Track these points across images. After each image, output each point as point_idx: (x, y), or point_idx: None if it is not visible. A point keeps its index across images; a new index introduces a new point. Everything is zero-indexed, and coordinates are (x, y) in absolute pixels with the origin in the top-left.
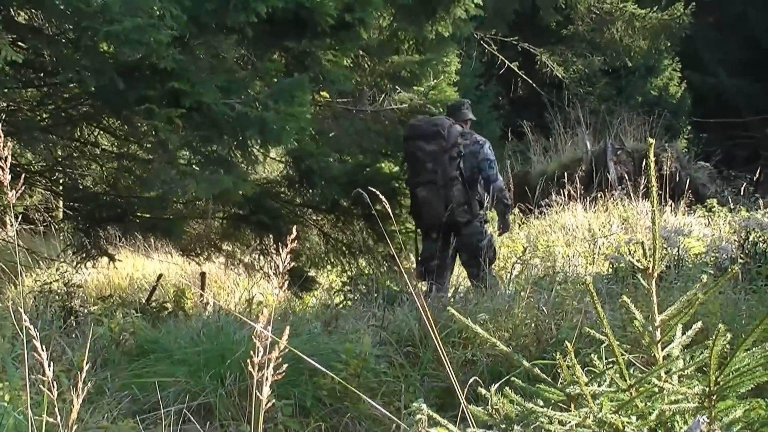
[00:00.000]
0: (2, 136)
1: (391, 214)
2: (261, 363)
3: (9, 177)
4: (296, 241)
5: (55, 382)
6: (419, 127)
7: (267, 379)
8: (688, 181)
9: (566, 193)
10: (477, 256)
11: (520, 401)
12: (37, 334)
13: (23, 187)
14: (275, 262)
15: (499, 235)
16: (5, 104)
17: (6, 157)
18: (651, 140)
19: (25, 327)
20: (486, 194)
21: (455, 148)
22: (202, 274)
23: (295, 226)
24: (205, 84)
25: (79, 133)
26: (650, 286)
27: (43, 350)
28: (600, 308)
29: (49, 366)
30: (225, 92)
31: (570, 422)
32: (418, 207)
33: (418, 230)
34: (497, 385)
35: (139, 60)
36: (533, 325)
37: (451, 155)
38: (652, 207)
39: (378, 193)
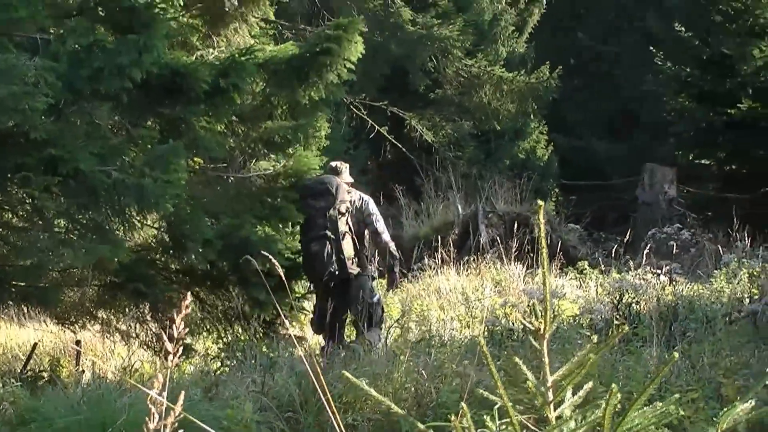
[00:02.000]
0: None
1: (264, 280)
2: (156, 429)
3: None
4: (171, 308)
5: None
6: (309, 186)
7: None
8: (559, 243)
9: (439, 256)
10: (367, 311)
11: None
12: None
13: None
14: (151, 330)
15: (387, 290)
16: None
17: None
18: (540, 202)
19: None
20: (374, 248)
21: (343, 204)
22: (77, 342)
23: (185, 294)
24: (80, 151)
25: None
26: (542, 347)
27: None
28: (494, 368)
29: None
30: (101, 159)
31: None
32: (311, 261)
33: (311, 286)
34: None
35: (11, 128)
36: (413, 389)
37: (340, 210)
38: (543, 269)
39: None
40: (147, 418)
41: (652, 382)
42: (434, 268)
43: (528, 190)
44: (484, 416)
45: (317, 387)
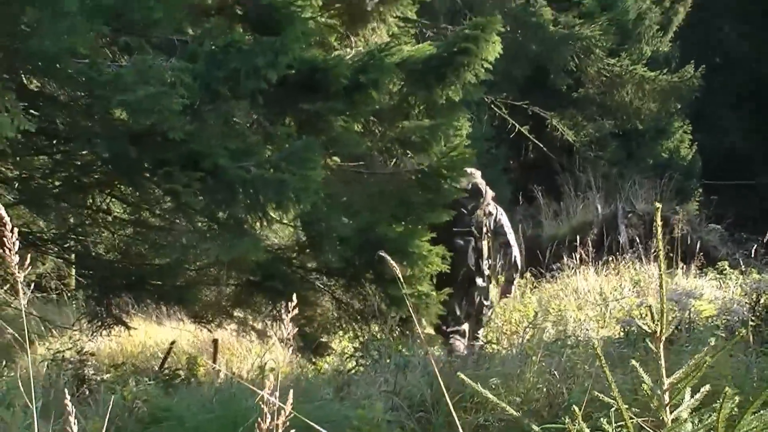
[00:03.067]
0: (6, 217)
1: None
2: (269, 429)
3: (15, 248)
4: (308, 308)
5: None
6: (463, 184)
7: None
8: (699, 243)
9: (577, 256)
10: (480, 314)
11: None
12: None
13: (36, 255)
14: (287, 329)
15: (500, 299)
16: (18, 172)
17: (12, 230)
18: (658, 204)
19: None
20: (501, 259)
21: (488, 208)
22: (215, 341)
23: (295, 294)
24: (218, 148)
25: (91, 201)
26: (658, 349)
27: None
28: (608, 372)
29: None
30: (238, 157)
31: None
32: (453, 255)
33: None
34: None
35: (149, 127)
36: (545, 389)
37: (485, 212)
38: (660, 271)
39: (385, 255)
40: (259, 419)
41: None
42: (572, 268)
43: (669, 190)
44: (601, 419)
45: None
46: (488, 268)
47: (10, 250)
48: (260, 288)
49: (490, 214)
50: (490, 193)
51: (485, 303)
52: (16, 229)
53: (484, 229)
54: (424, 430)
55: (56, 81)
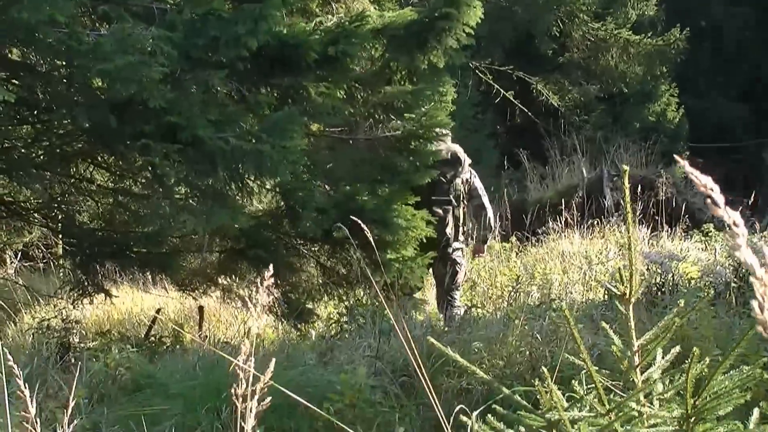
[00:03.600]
0: None
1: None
2: (245, 394)
3: None
4: (292, 274)
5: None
6: (441, 152)
7: (251, 410)
8: (684, 206)
9: (563, 220)
10: (453, 272)
11: (501, 428)
12: (21, 373)
13: (21, 225)
14: (273, 295)
15: (472, 258)
16: (0, 142)
17: None
18: (625, 167)
19: (14, 372)
20: (475, 221)
21: (465, 175)
22: (200, 308)
23: (279, 260)
24: (198, 118)
25: (74, 170)
26: (627, 311)
27: (26, 389)
28: (577, 334)
29: (44, 403)
30: (218, 126)
31: None
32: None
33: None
34: (478, 412)
35: (131, 96)
36: (528, 352)
37: (463, 180)
38: (628, 233)
39: (361, 223)
40: (234, 385)
41: (737, 345)
42: (558, 232)
43: (655, 153)
44: (573, 381)
45: (414, 357)
46: (463, 234)
47: None
48: (245, 255)
49: (467, 181)
50: (467, 161)
51: (458, 266)
52: None
53: (462, 196)
54: (408, 394)
55: (36, 51)
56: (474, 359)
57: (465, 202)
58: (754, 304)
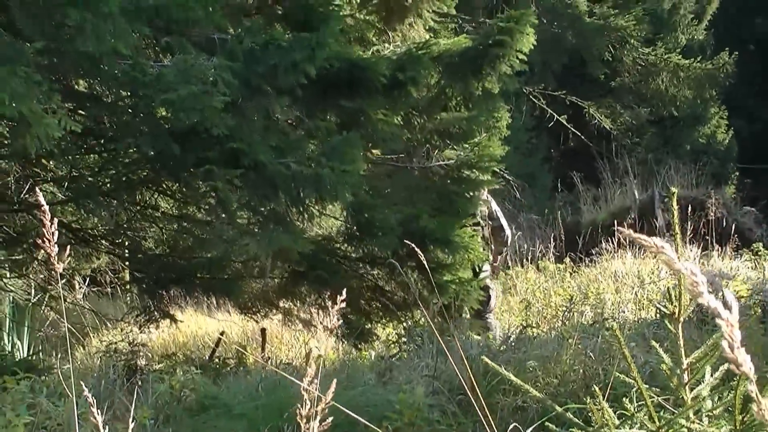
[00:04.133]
0: (47, 210)
1: (425, 265)
2: (309, 415)
3: (54, 239)
4: (352, 296)
5: None
6: None
7: (314, 430)
8: (734, 226)
9: (615, 241)
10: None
11: None
12: (92, 398)
13: (89, 251)
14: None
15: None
16: (67, 171)
17: (53, 231)
18: (674, 189)
19: (83, 394)
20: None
21: (483, 197)
22: (263, 330)
23: (339, 283)
24: (259, 145)
25: (139, 197)
26: (676, 330)
27: (98, 412)
28: (627, 352)
29: (111, 424)
30: (279, 152)
31: None
32: None
33: None
34: (530, 429)
35: (194, 124)
36: (581, 371)
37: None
38: (677, 252)
39: (415, 247)
40: (299, 405)
41: None
42: (611, 252)
43: (705, 174)
44: (624, 399)
45: (469, 377)
46: (490, 252)
47: (50, 240)
48: (306, 278)
49: (486, 201)
50: None
51: (490, 291)
52: (56, 221)
53: (486, 218)
54: (465, 412)
55: (101, 82)
56: (529, 377)
57: (489, 222)
58: (724, 344)
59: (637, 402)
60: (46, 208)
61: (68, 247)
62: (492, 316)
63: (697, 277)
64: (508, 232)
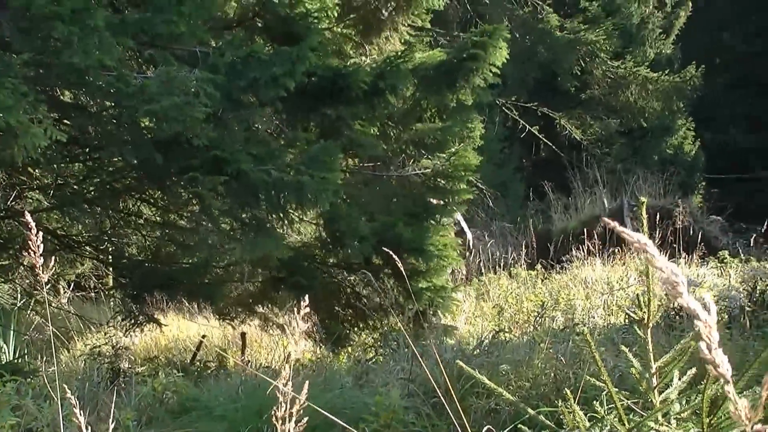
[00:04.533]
0: (33, 225)
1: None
2: (284, 416)
3: (40, 251)
4: (329, 302)
5: None
6: None
7: (289, 431)
8: (701, 234)
9: (586, 248)
10: None
11: None
12: (76, 400)
13: (73, 257)
14: (310, 322)
15: None
16: (53, 179)
17: (38, 242)
18: (643, 199)
19: (67, 396)
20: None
21: None
22: (243, 335)
23: (316, 289)
24: (240, 153)
25: (123, 205)
26: (646, 335)
27: (80, 413)
28: (598, 356)
29: (95, 425)
30: (260, 161)
31: None
32: None
33: None
34: None
35: (176, 134)
36: (552, 374)
37: None
38: (647, 262)
39: (392, 254)
40: (275, 408)
41: (750, 366)
42: (581, 260)
43: (672, 184)
44: (595, 402)
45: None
46: None
47: (35, 252)
48: (284, 283)
49: None
50: None
51: None
52: (41, 234)
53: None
54: (439, 414)
55: (87, 93)
56: (501, 381)
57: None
58: (702, 345)
59: (607, 405)
60: (30, 220)
61: (54, 254)
62: None
63: (678, 276)
64: (470, 236)
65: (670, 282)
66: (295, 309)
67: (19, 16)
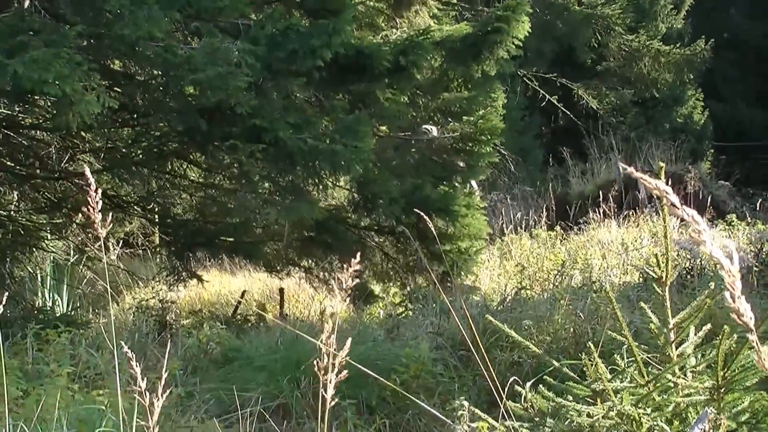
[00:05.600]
0: (92, 181)
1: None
2: (326, 367)
3: (98, 207)
4: (360, 261)
5: (147, 391)
6: None
7: (331, 381)
8: (710, 198)
9: (602, 211)
10: None
11: (551, 397)
12: (131, 352)
13: (122, 216)
14: (359, 279)
15: None
16: (104, 143)
17: (96, 191)
18: (661, 163)
19: (122, 348)
20: None
21: None
22: (281, 290)
23: (350, 250)
24: (279, 122)
25: (169, 167)
26: (663, 293)
27: (136, 364)
28: (619, 312)
29: (144, 374)
30: (296, 129)
31: (595, 415)
32: None
33: None
34: (530, 383)
35: (219, 102)
36: (572, 329)
37: None
38: (664, 223)
39: (423, 214)
40: (316, 359)
41: (762, 322)
42: (597, 222)
43: (683, 151)
44: (615, 355)
45: (473, 332)
46: None
47: (94, 209)
48: (317, 243)
49: None
50: None
51: None
52: (100, 191)
53: None
54: (466, 366)
55: (136, 63)
56: (524, 336)
57: None
58: (726, 294)
59: (627, 359)
60: (92, 179)
61: (104, 213)
62: None
63: (700, 225)
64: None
65: (693, 230)
66: (329, 267)
67: None
